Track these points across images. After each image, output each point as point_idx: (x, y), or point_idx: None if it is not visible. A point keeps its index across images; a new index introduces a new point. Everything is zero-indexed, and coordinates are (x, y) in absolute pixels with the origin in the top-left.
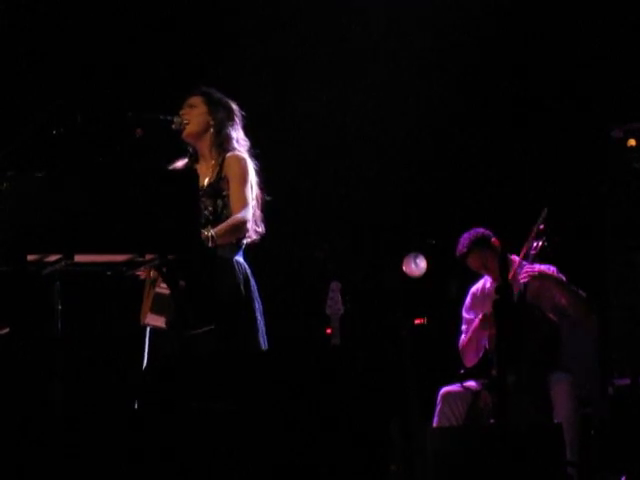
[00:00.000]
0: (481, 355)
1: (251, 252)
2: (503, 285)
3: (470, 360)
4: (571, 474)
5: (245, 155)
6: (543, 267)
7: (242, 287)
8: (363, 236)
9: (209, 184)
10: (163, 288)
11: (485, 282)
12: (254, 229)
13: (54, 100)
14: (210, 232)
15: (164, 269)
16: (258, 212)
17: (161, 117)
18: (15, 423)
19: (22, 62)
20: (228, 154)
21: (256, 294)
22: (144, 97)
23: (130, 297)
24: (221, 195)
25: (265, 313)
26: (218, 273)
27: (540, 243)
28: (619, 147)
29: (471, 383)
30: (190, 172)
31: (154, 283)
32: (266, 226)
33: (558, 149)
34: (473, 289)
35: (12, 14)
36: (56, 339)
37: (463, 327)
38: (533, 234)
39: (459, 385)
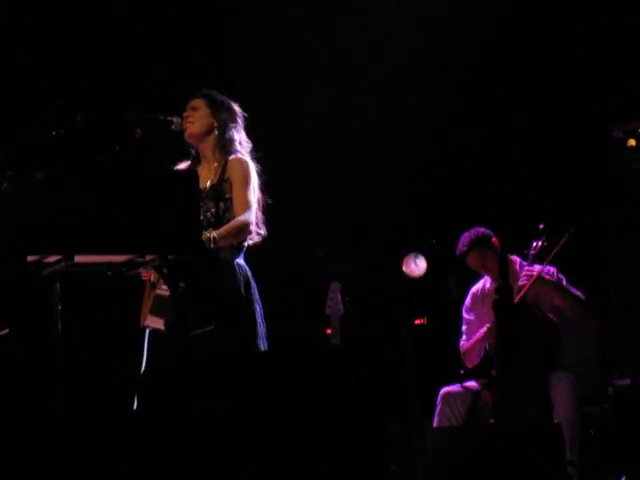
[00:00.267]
0: (482, 355)
1: (251, 252)
2: (503, 285)
3: (472, 362)
4: (571, 474)
5: (247, 158)
6: (545, 268)
7: (242, 290)
8: (363, 236)
9: (211, 186)
10: (164, 290)
11: (485, 282)
12: (256, 231)
13: (54, 100)
14: (212, 234)
15: (164, 270)
16: (260, 214)
17: (161, 117)
18: (15, 423)
19: (22, 62)
20: (231, 157)
21: (257, 297)
22: (144, 97)
23: (130, 298)
24: (223, 197)
25: (265, 314)
26: (219, 275)
27: (540, 243)
28: (619, 147)
29: (471, 383)
30: (190, 173)
31: (155, 285)
32: (267, 228)
33: (558, 149)
34: (473, 289)
35: (12, 14)
36: (56, 339)
37: (463, 327)
38: (557, 250)
39: (459, 385)
